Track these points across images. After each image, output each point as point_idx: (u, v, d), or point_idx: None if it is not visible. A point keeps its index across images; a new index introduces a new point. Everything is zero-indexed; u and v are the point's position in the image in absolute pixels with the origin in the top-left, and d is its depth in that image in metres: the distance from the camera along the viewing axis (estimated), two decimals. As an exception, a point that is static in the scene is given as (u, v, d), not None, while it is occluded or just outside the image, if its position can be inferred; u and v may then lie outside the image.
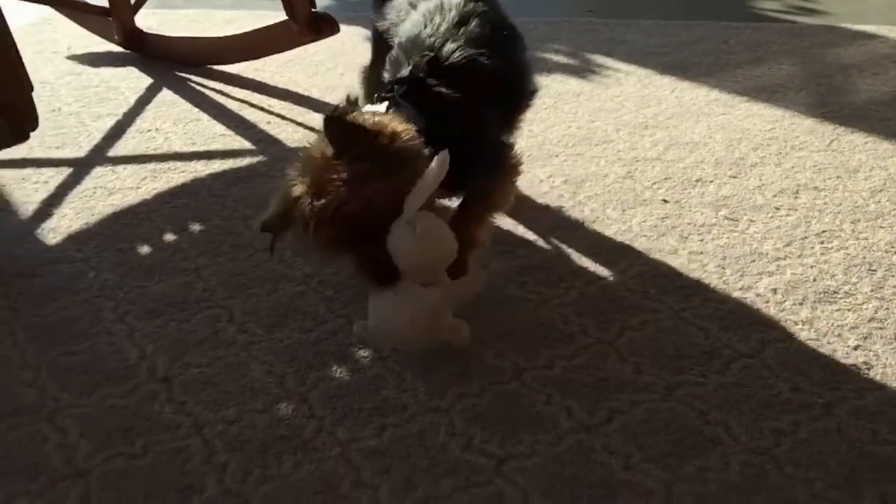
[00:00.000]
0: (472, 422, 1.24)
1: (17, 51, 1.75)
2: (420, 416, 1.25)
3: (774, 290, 1.49)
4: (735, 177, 1.89)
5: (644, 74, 2.52)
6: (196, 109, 2.40)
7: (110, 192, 1.95)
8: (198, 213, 1.84)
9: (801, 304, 1.45)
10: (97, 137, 2.24)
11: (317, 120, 2.27)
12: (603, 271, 1.58)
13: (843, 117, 2.17)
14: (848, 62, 2.56)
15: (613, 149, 2.05)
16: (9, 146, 1.75)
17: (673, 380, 1.29)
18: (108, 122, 2.34)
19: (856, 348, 1.34)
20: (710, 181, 1.88)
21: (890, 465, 1.13)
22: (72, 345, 1.43)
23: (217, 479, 1.15)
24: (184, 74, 2.67)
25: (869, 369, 1.29)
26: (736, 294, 1.49)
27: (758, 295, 1.48)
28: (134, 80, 2.64)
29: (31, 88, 1.79)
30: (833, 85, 2.39)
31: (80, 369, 1.37)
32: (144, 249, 1.72)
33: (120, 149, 2.18)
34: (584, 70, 2.58)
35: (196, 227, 1.79)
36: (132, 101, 2.48)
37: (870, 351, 1.33)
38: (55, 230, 1.80)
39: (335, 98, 2.42)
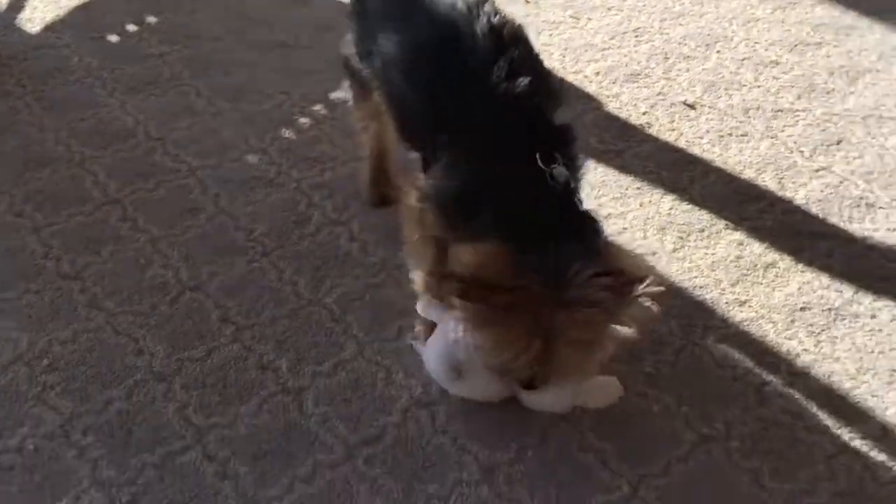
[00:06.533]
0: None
1: None
2: (351, 163, 1.81)
3: (597, 73, 2.08)
4: (581, -19, 2.42)
5: None
6: None
7: (68, -15, 2.30)
8: (149, 7, 2.23)
9: (613, 83, 2.05)
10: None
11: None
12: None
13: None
14: None
15: (489, -46, 2.52)
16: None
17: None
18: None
19: (644, 113, 1.96)
20: (562, -15, 2.40)
21: (653, 188, 1.78)
22: (79, 113, 1.89)
23: (214, 203, 1.70)
24: None
25: (650, 127, 1.93)
26: (570, 76, 2.07)
27: (585, 76, 2.07)
28: None
29: None
30: None
31: (91, 131, 1.85)
32: (114, 38, 2.13)
33: (62, -57, 2.48)
34: None
35: (152, 19, 2.20)
36: None
37: (652, 115, 1.96)
38: (31, 20, 2.17)
39: None
